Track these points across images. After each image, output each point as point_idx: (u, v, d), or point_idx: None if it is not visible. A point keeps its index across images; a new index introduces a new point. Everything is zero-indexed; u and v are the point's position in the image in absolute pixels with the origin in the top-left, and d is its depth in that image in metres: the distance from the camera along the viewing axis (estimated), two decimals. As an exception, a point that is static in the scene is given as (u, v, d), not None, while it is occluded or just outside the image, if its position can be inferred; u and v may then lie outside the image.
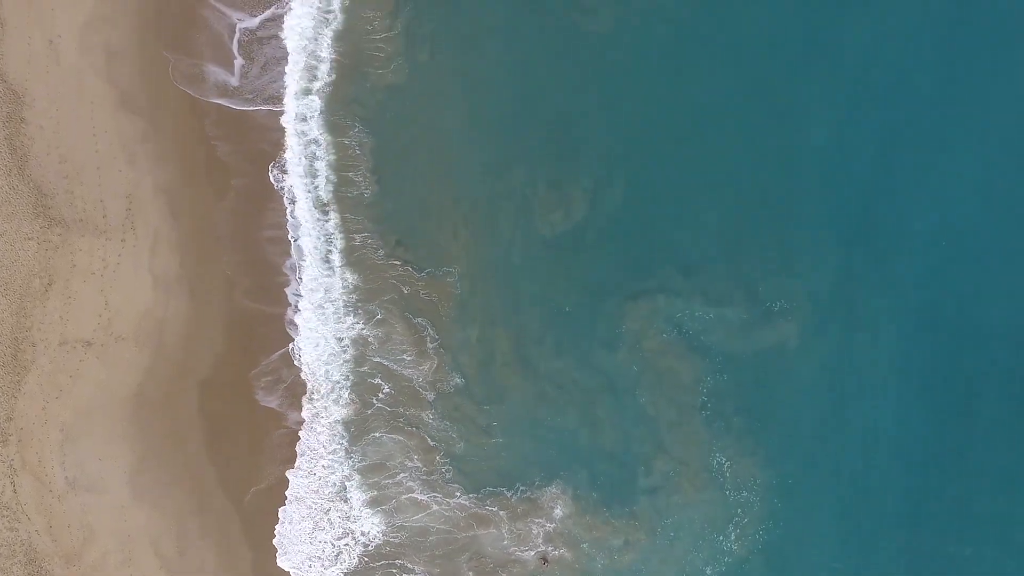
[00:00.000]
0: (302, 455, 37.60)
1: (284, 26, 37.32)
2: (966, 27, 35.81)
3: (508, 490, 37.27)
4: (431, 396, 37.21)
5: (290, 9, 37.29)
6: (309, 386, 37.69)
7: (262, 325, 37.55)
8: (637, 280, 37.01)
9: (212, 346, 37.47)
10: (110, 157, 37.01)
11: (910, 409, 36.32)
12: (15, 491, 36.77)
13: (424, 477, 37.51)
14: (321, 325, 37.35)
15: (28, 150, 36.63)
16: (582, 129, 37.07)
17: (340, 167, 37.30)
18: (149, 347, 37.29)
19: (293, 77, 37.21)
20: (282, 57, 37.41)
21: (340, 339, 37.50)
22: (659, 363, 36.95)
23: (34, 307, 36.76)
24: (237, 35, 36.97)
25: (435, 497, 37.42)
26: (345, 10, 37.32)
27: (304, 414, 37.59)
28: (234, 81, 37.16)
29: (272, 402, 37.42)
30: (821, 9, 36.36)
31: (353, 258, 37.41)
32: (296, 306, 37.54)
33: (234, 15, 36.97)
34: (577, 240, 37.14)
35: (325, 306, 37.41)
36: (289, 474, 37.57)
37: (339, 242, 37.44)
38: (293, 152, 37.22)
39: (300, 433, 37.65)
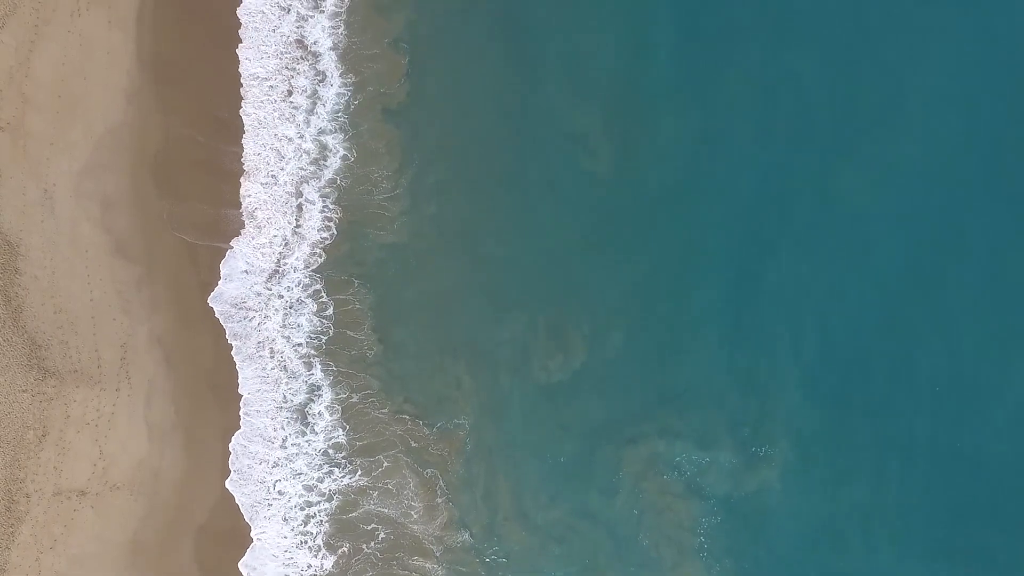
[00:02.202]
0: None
1: (278, 181, 37.47)
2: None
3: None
4: (437, 550, 37.22)
5: (282, 169, 37.46)
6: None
7: (259, 475, 37.58)
8: (634, 424, 37.18)
9: (208, 494, 37.37)
10: (105, 306, 36.89)
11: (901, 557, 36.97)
12: (8, 646, 36.44)
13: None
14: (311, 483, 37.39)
15: (23, 301, 36.41)
16: (580, 275, 37.48)
17: (340, 324, 37.26)
18: (144, 496, 37.11)
19: (285, 232, 37.25)
20: (278, 210, 37.52)
21: (324, 493, 37.46)
22: (657, 504, 37.24)
23: (28, 458, 36.47)
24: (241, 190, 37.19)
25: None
26: (348, 168, 37.30)
27: (301, 563, 37.59)
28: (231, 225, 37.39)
29: (269, 550, 37.40)
30: (820, 161, 37.12)
31: (353, 412, 37.30)
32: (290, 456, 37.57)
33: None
34: (576, 386, 37.33)
35: (308, 466, 37.33)
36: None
37: (328, 396, 37.42)
38: (275, 310, 37.22)
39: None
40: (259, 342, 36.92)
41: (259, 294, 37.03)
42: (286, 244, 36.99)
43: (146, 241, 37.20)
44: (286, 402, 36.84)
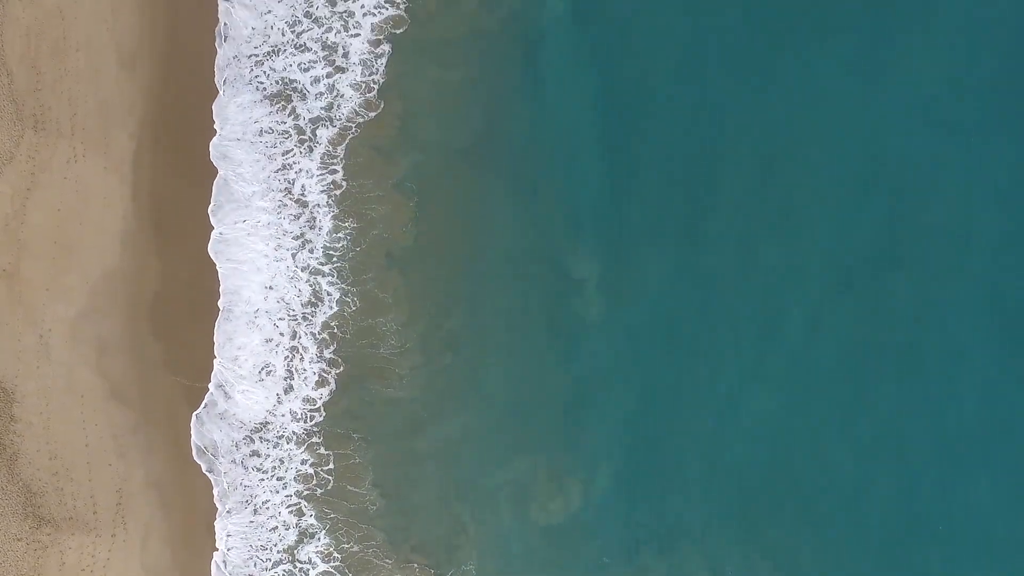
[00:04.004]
0: None
1: (276, 330, 36.98)
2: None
3: None
4: None
5: (280, 319, 36.94)
6: None
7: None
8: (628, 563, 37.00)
9: (203, 639, 37.19)
10: (100, 451, 36.69)
11: None
12: None
13: None
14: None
15: (18, 448, 36.26)
16: (579, 417, 37.21)
17: (341, 477, 36.82)
18: (139, 640, 36.97)
19: (278, 388, 36.78)
20: (272, 369, 37.08)
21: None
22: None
23: (23, 606, 36.40)
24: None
25: None
26: (351, 319, 36.79)
27: None
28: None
29: None
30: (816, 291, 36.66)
31: (355, 560, 36.86)
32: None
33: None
34: (575, 527, 37.06)
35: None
36: None
37: (327, 542, 36.94)
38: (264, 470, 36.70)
39: None
40: (244, 501, 36.36)
41: (253, 451, 36.49)
42: (279, 399, 36.40)
43: (142, 385, 37.02)
44: (281, 555, 36.38)
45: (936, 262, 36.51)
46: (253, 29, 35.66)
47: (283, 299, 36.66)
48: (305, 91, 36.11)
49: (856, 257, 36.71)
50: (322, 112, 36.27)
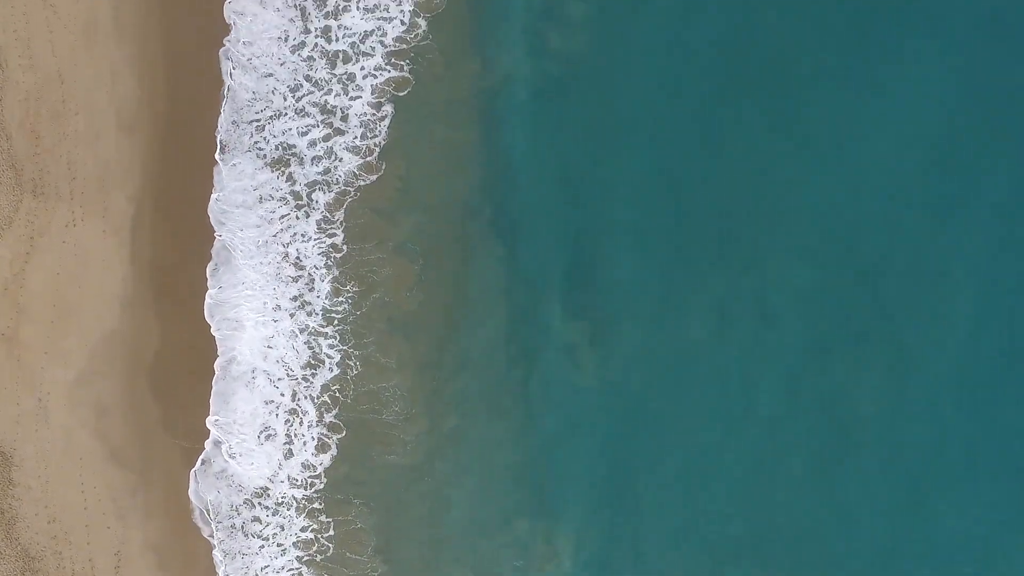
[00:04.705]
0: None
1: (276, 394, 36.80)
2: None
3: None
4: None
5: (279, 380, 36.75)
6: None
7: None
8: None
9: None
10: (99, 513, 36.57)
11: None
12: None
13: None
14: None
15: (16, 513, 36.15)
16: (573, 481, 37.12)
17: (341, 543, 36.60)
18: None
19: (277, 456, 36.61)
20: (272, 433, 36.91)
21: None
22: None
23: (21, 670, 36.28)
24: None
25: None
26: (354, 383, 36.46)
27: None
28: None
29: None
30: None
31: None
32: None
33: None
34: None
35: None
36: None
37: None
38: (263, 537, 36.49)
39: None
40: (244, 567, 36.18)
41: (254, 516, 36.31)
42: (280, 465, 36.20)
43: (141, 447, 36.91)
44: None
45: (911, 335, 36.30)
46: (254, 94, 35.40)
47: (282, 360, 36.45)
48: (303, 155, 35.84)
49: (832, 328, 36.50)
50: (319, 176, 36.02)
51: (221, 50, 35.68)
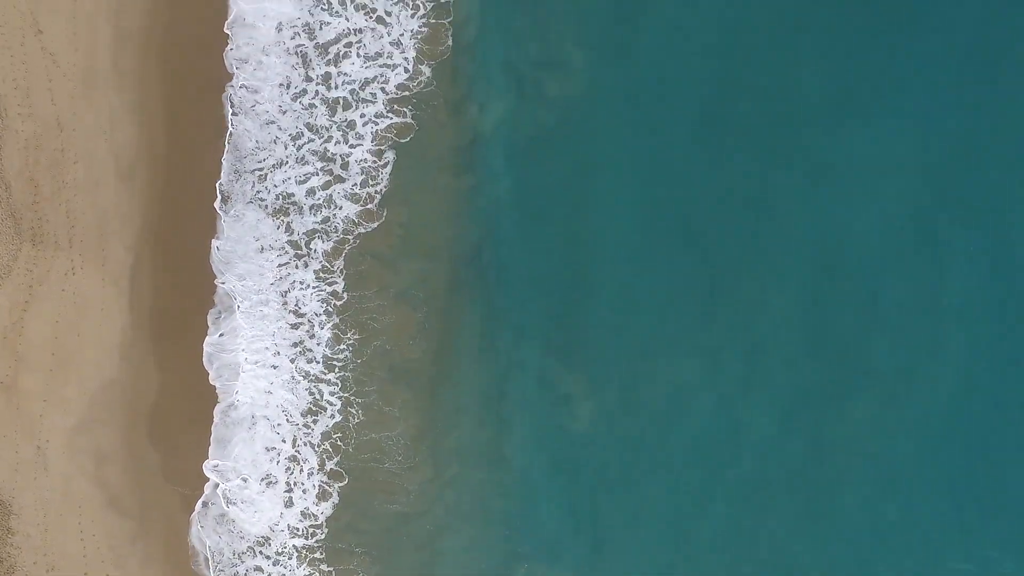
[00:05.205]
0: None
1: (277, 442, 36.66)
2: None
3: None
4: None
5: (280, 425, 36.60)
6: None
7: None
8: None
9: None
10: (98, 561, 36.46)
11: None
12: None
13: None
14: None
15: (15, 561, 36.00)
16: (569, 530, 37.11)
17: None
18: None
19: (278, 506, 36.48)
20: (273, 481, 36.77)
21: None
22: None
23: None
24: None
25: None
26: (355, 432, 36.30)
27: None
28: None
29: None
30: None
31: None
32: None
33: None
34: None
35: None
36: None
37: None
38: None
39: None
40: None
41: (256, 565, 36.18)
42: (281, 515, 36.09)
43: (140, 494, 36.77)
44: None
45: (896, 390, 36.28)
46: (258, 142, 35.18)
47: (282, 406, 36.31)
48: (302, 204, 35.67)
49: (822, 372, 36.49)
50: (318, 225, 35.84)
51: (224, 95, 35.43)
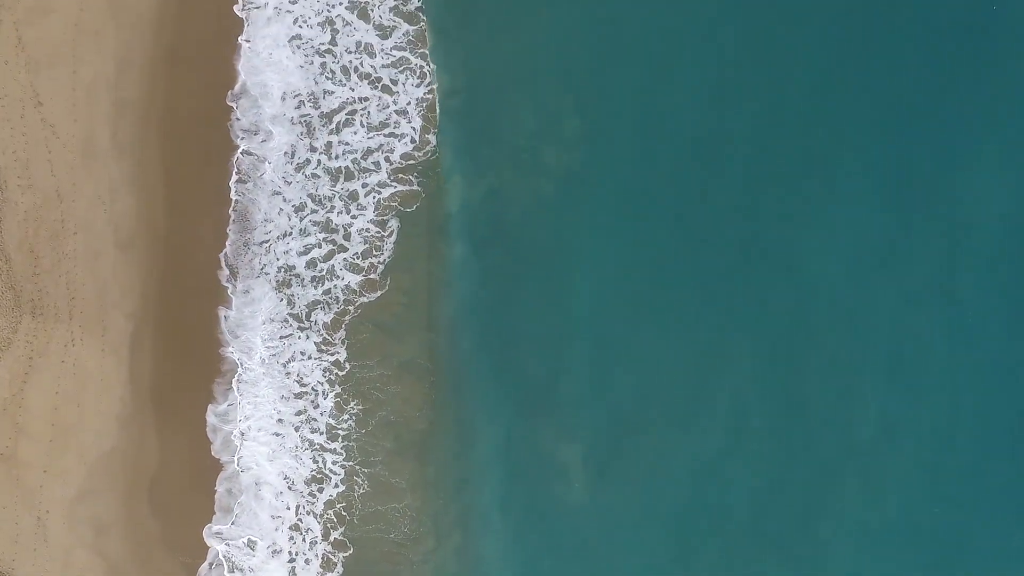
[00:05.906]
0: None
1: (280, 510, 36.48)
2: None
3: None
4: None
5: (284, 503, 36.40)
6: None
7: None
8: None
9: None
10: (99, 633, 36.23)
11: None
12: None
13: None
14: None
15: (14, 627, 35.76)
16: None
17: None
18: None
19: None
20: (277, 549, 36.61)
21: None
22: None
23: None
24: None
25: None
26: (361, 502, 36.17)
27: None
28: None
29: None
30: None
31: None
32: None
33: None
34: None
35: None
36: None
37: None
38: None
39: None
40: None
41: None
42: (286, 583, 36.04)
43: (141, 564, 36.58)
44: None
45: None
46: (265, 215, 34.83)
47: (284, 473, 36.10)
48: (304, 276, 35.38)
49: (808, 439, 36.70)
50: (320, 296, 35.54)
51: (230, 163, 35.07)
